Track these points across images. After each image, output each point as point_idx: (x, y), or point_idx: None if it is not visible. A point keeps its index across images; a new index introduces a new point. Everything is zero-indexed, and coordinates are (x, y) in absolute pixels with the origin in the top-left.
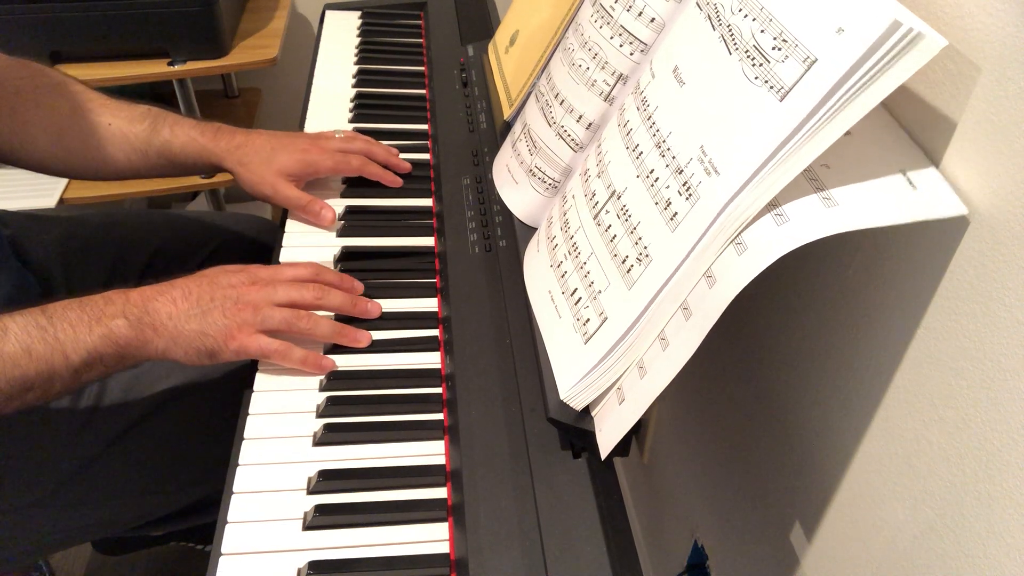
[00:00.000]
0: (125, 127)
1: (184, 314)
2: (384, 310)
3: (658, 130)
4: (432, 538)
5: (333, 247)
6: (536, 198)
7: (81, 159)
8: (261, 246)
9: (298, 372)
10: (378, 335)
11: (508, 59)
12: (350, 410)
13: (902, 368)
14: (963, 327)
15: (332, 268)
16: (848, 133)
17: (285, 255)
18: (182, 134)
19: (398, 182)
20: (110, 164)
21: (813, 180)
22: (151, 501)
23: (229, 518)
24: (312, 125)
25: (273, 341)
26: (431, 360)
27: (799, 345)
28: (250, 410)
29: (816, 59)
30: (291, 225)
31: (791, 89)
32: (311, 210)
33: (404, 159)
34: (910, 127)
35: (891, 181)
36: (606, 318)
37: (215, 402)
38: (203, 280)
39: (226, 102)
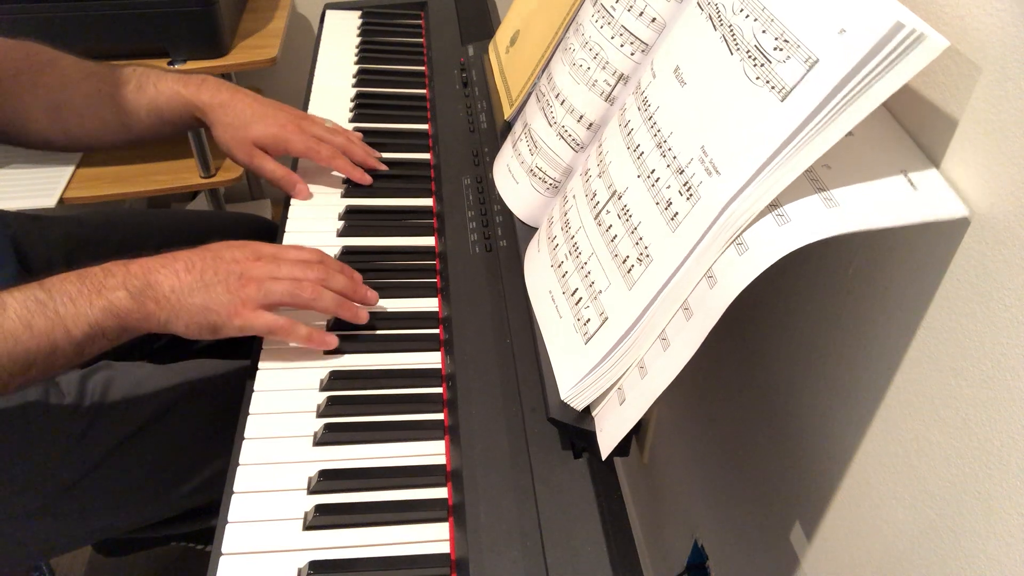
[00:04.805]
0: (114, 92)
1: (187, 287)
2: (385, 310)
3: (659, 130)
4: (432, 538)
5: (334, 247)
6: (537, 198)
7: (79, 130)
8: None
9: (299, 369)
10: (379, 334)
11: (509, 59)
12: (351, 410)
13: (902, 368)
14: (963, 327)
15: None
16: (849, 133)
17: None
18: (167, 89)
19: (367, 180)
20: (106, 131)
21: (814, 180)
22: (152, 508)
23: (229, 518)
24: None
25: (279, 318)
26: (431, 360)
27: (799, 345)
28: (251, 410)
29: (818, 60)
30: (291, 224)
31: (792, 90)
32: (286, 183)
33: (404, 159)
34: (910, 127)
35: (892, 182)
36: (607, 318)
37: (215, 409)
38: (207, 254)
39: None
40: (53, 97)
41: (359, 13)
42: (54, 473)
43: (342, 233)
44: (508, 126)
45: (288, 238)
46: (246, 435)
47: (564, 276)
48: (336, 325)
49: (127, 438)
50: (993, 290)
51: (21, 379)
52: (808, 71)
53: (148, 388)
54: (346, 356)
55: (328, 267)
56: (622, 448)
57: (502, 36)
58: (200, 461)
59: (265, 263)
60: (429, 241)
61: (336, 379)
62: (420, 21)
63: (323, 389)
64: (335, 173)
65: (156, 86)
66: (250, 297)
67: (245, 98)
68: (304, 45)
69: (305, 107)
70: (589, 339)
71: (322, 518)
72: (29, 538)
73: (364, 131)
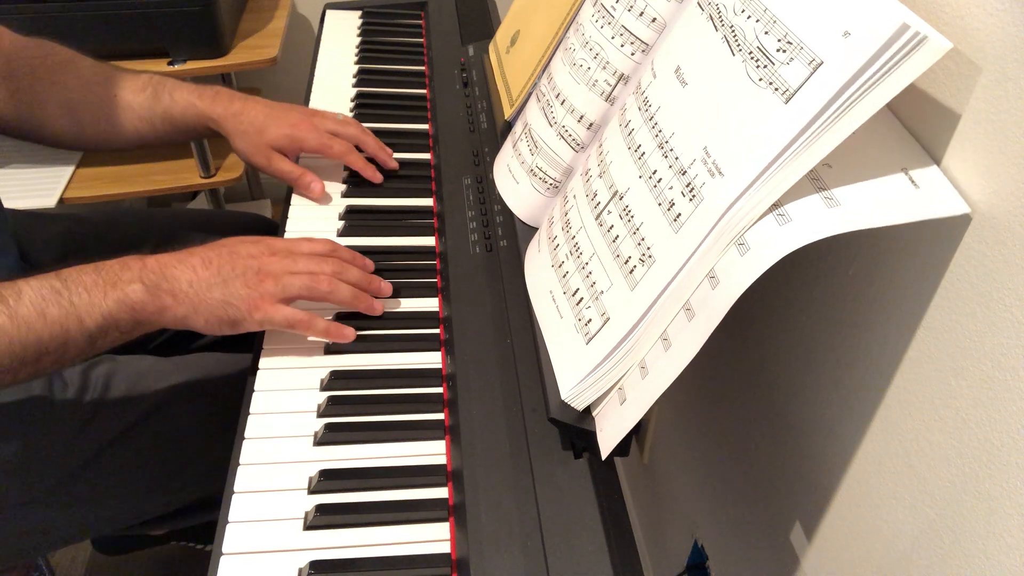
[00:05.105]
0: (130, 98)
1: (205, 282)
2: (386, 309)
3: (660, 131)
4: (433, 538)
5: None
6: (537, 198)
7: (92, 131)
8: None
9: (300, 369)
10: (379, 334)
11: (509, 59)
12: (351, 410)
13: (902, 368)
14: (963, 327)
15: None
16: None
17: None
18: (181, 100)
19: (378, 178)
20: (119, 134)
21: (815, 180)
22: (152, 499)
23: (230, 518)
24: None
25: (298, 311)
26: (432, 360)
27: (799, 345)
28: (251, 409)
29: (822, 62)
30: (291, 224)
31: (796, 92)
32: (301, 183)
33: (404, 159)
34: (910, 128)
35: (893, 180)
36: (608, 319)
37: (217, 401)
38: (222, 249)
39: None
40: (68, 97)
41: (359, 13)
42: (55, 463)
43: (342, 233)
44: (508, 126)
45: (289, 237)
46: (246, 435)
47: (565, 276)
48: (340, 319)
49: (128, 430)
50: (993, 290)
51: (33, 368)
52: (812, 73)
53: (150, 381)
54: (346, 356)
55: (342, 259)
56: (622, 448)
57: (502, 36)
58: (201, 454)
59: (281, 257)
60: (429, 241)
61: (336, 379)
62: (420, 21)
63: (323, 389)
64: (335, 175)
65: (171, 95)
66: (269, 291)
67: (256, 104)
68: (304, 45)
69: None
70: (590, 339)
71: (323, 518)
72: (30, 528)
73: None
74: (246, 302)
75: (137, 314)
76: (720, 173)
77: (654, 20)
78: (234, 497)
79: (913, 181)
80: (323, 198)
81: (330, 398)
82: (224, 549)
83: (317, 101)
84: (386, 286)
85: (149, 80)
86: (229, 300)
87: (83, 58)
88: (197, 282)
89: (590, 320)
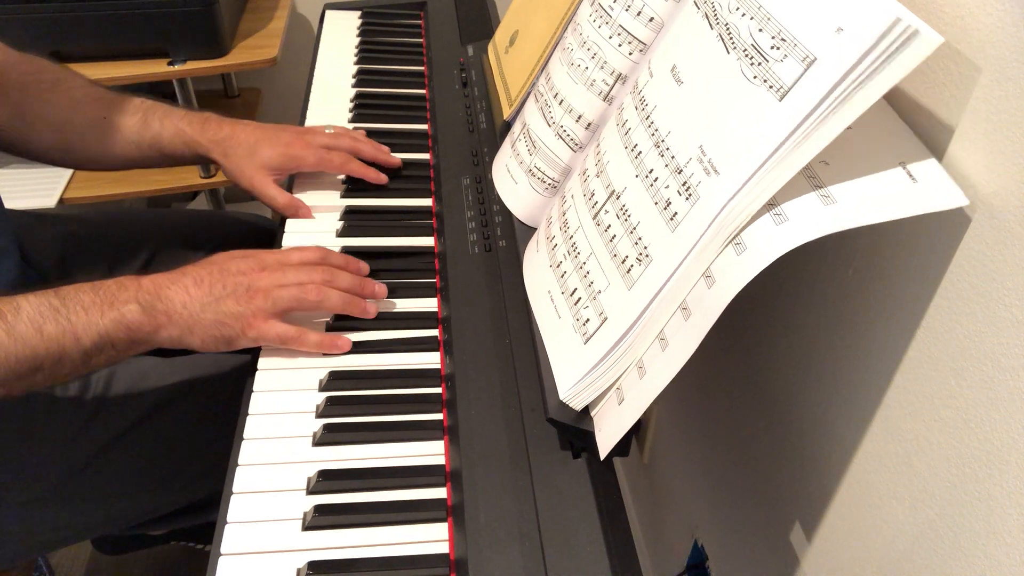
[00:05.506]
0: (119, 121)
1: (198, 303)
2: (384, 310)
3: (657, 130)
4: (432, 538)
5: (333, 247)
6: (535, 198)
7: (80, 151)
8: (260, 246)
9: (299, 369)
10: (378, 335)
11: (508, 59)
12: (350, 410)
13: (902, 368)
14: (963, 327)
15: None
16: (847, 128)
17: None
18: (170, 126)
19: (383, 179)
20: (106, 156)
21: (811, 178)
22: (153, 498)
23: (229, 518)
24: (311, 124)
25: (290, 327)
26: (431, 360)
27: (799, 345)
28: (250, 410)
29: (815, 58)
30: (291, 224)
31: (790, 89)
32: (289, 211)
33: (403, 159)
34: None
35: (890, 175)
36: (606, 318)
37: (218, 400)
38: (213, 268)
39: (226, 102)
40: (58, 116)
41: (359, 13)
42: (57, 462)
43: (341, 233)
44: (507, 126)
45: (288, 238)
46: (245, 435)
47: (563, 276)
48: (338, 321)
49: (129, 428)
50: (993, 290)
51: (27, 382)
52: (806, 70)
53: (151, 379)
54: (345, 356)
55: (333, 265)
56: (621, 448)
57: (501, 36)
58: (201, 452)
59: (270, 272)
60: (428, 241)
61: (335, 379)
62: (420, 21)
63: (322, 389)
64: (334, 176)
65: (161, 121)
66: (260, 308)
67: (246, 127)
68: (304, 45)
69: (305, 107)
70: (588, 339)
71: (321, 518)
72: (31, 527)
73: (364, 131)
74: (239, 320)
75: (133, 333)
76: (716, 171)
77: (651, 19)
78: (233, 498)
79: (911, 175)
80: (316, 199)
81: (329, 399)
82: (223, 549)
83: (316, 101)
84: (380, 288)
85: (140, 104)
86: (222, 319)
87: (76, 77)
88: (190, 303)
89: (588, 320)
